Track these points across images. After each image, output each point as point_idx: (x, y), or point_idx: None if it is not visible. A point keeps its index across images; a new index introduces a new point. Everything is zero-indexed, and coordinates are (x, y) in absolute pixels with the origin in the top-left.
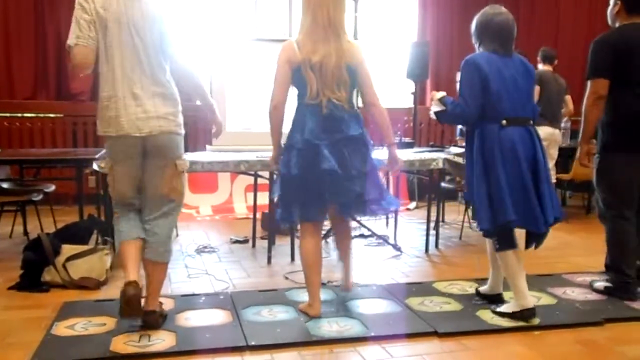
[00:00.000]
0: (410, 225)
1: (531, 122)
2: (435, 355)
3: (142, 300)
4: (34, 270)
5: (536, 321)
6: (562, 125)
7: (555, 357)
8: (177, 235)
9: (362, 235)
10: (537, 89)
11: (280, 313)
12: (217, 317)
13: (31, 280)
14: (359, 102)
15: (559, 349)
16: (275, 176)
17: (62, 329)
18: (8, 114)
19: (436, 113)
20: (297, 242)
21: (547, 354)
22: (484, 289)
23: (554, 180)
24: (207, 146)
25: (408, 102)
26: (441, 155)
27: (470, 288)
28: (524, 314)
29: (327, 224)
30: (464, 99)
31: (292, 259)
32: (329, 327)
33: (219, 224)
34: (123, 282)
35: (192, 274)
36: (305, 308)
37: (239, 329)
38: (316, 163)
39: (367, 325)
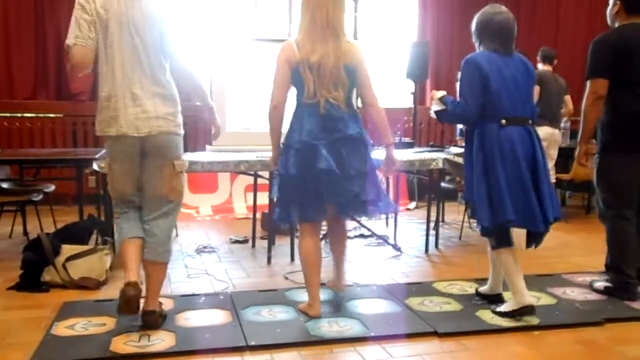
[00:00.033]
0: (410, 225)
1: (530, 121)
2: (435, 355)
3: (142, 301)
4: (34, 270)
5: (536, 321)
6: (562, 125)
7: (555, 357)
8: (177, 235)
9: (362, 235)
10: (536, 89)
11: (280, 313)
12: (217, 317)
13: (31, 280)
14: (358, 102)
15: (559, 349)
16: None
17: (62, 329)
18: (8, 114)
19: (436, 112)
20: (297, 242)
21: (547, 354)
22: (483, 289)
23: (553, 180)
24: (207, 146)
25: (408, 102)
26: (441, 155)
27: (470, 288)
28: (523, 311)
29: (326, 224)
30: (464, 98)
31: (292, 259)
32: (329, 327)
33: (218, 224)
34: (123, 282)
35: (192, 274)
36: (305, 308)
37: (238, 329)
38: (314, 163)
39: (367, 325)
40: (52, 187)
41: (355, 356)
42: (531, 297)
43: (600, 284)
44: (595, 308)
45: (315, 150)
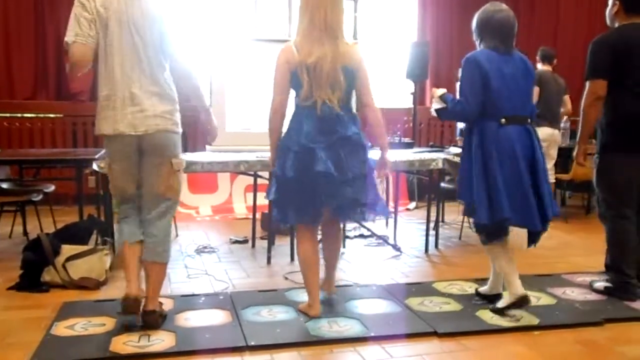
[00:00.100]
0: (410, 225)
1: (529, 120)
2: (435, 356)
3: (142, 301)
4: (34, 270)
5: (536, 321)
6: (562, 125)
7: (555, 357)
8: (176, 235)
9: (362, 236)
10: (536, 90)
11: (280, 313)
12: (217, 317)
13: (31, 280)
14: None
15: (559, 349)
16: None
17: (62, 329)
18: (8, 114)
19: (437, 110)
20: (296, 242)
21: (547, 354)
22: (483, 289)
23: (552, 180)
24: (207, 146)
25: (408, 102)
26: (441, 155)
27: (469, 288)
28: (518, 303)
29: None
30: (464, 96)
31: (292, 259)
32: (329, 327)
33: (218, 224)
34: (124, 290)
35: (192, 274)
36: (305, 308)
37: (238, 329)
38: (312, 166)
39: (367, 326)
40: (52, 187)
41: (355, 356)
42: (523, 289)
43: (600, 284)
44: (595, 308)
45: (313, 153)
